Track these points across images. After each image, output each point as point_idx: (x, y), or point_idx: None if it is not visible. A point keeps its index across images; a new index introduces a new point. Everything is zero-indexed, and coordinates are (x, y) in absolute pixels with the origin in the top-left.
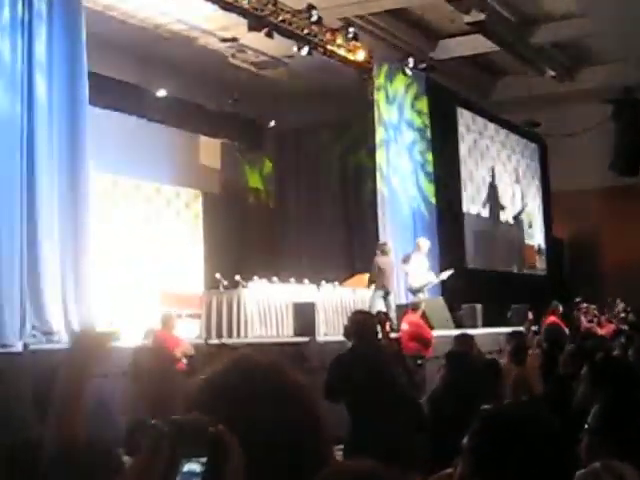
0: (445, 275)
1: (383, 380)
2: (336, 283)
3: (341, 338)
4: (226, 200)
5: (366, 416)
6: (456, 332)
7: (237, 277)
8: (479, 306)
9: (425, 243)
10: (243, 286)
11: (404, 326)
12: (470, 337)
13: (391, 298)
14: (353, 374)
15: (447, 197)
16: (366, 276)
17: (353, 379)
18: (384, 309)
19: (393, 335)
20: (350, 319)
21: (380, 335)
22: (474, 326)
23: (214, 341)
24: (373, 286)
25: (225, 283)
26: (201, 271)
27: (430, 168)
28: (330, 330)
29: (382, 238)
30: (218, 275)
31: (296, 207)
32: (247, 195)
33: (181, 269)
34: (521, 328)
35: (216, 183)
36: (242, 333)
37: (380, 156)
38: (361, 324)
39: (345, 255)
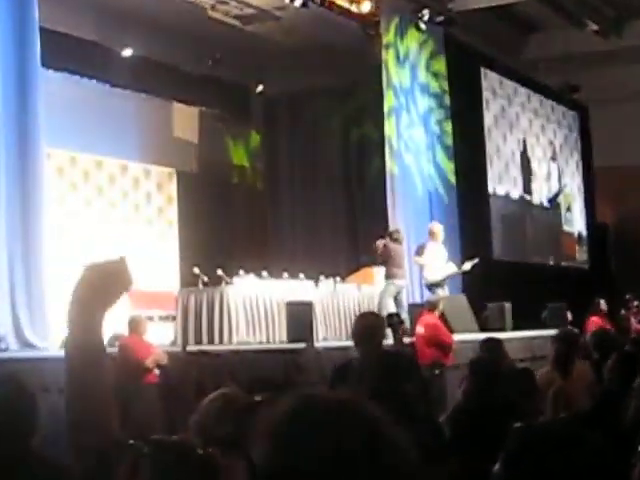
0: (468, 265)
1: (390, 394)
2: (338, 279)
3: (343, 344)
4: (205, 180)
5: None
6: (481, 336)
7: (219, 272)
8: (508, 305)
9: (438, 228)
10: (227, 282)
11: (419, 329)
12: (498, 342)
13: (403, 295)
14: (356, 387)
15: (470, 175)
16: (374, 270)
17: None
18: (395, 309)
19: (406, 340)
20: (355, 323)
21: (392, 340)
22: (502, 329)
23: (192, 348)
24: (383, 280)
25: (205, 279)
26: (176, 265)
27: (449, 141)
28: (330, 334)
29: (392, 225)
30: (196, 269)
31: (290, 188)
32: (230, 174)
33: (152, 262)
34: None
35: (193, 160)
36: (225, 338)
37: (389, 127)
38: (368, 328)
39: (348, 246)
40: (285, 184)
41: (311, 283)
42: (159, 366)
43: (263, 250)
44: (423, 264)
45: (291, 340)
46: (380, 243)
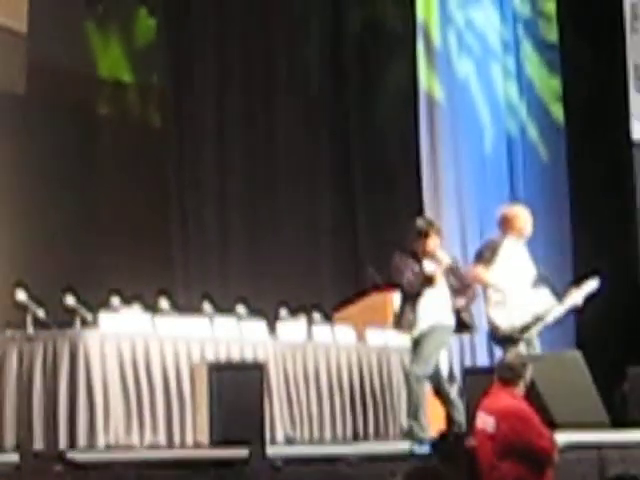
0: (581, 294)
1: None
2: (317, 315)
3: (325, 450)
4: (42, 109)
5: None
6: (617, 437)
7: (69, 300)
8: None
9: (521, 214)
10: (85, 321)
11: (485, 422)
12: None
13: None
14: None
15: (595, 105)
16: (390, 298)
17: None
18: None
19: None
20: None
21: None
22: None
23: (7, 458)
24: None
25: (40, 313)
26: None
27: (552, 33)
28: (301, 430)
29: (429, 210)
30: (22, 294)
31: (215, 128)
32: (94, 98)
33: None
34: None
35: (17, 68)
36: (81, 438)
37: (426, 5)
38: None
39: (338, 248)
40: (208, 119)
41: (261, 324)
42: None
43: (161, 255)
44: (492, 286)
45: (219, 442)
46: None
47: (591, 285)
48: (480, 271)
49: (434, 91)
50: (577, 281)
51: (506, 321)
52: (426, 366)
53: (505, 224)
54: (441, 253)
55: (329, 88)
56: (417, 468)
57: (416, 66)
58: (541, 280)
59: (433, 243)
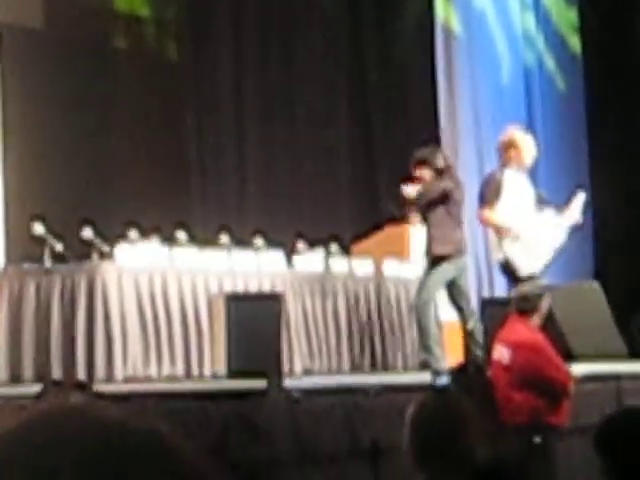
0: (576, 210)
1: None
2: (334, 247)
3: (344, 380)
4: (58, 44)
5: None
6: (636, 366)
7: (86, 232)
8: None
9: (522, 145)
10: (102, 254)
11: (501, 353)
12: None
13: (463, 282)
14: None
15: (611, 36)
16: (407, 229)
17: None
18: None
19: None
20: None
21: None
22: None
23: (26, 388)
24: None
25: (57, 246)
26: None
27: None
28: (319, 362)
29: (446, 141)
30: (39, 226)
31: (235, 62)
32: (111, 32)
33: None
34: None
35: (34, 4)
36: (100, 370)
37: None
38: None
39: (355, 180)
40: (226, 53)
41: (279, 255)
42: None
43: (178, 187)
44: (502, 227)
45: (237, 374)
46: (424, 176)
47: (580, 198)
48: (488, 214)
49: (451, 23)
50: (567, 200)
51: (525, 261)
52: (427, 293)
53: (503, 153)
54: (410, 189)
55: (346, 20)
56: (431, 397)
57: (432, 3)
58: (541, 201)
59: (419, 175)
